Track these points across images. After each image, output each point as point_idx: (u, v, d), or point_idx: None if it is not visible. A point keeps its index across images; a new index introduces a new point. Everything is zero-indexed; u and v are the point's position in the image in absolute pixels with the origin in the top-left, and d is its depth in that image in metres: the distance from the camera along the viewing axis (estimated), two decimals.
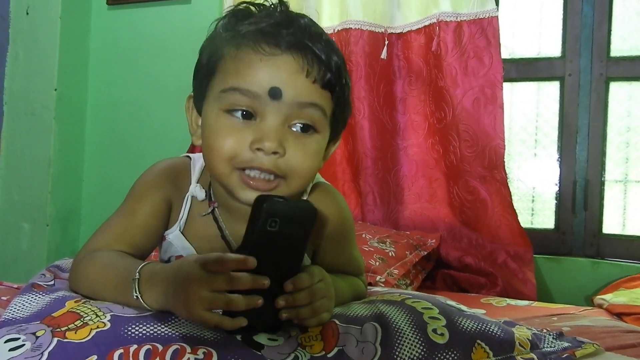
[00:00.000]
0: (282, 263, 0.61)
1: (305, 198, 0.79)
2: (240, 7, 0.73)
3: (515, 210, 1.68)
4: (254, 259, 0.57)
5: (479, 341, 0.66)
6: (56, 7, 1.99)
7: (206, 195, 0.78)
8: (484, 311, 1.27)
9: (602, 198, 1.78)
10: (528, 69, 1.88)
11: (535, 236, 1.76)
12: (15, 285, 0.90)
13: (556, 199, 1.84)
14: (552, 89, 1.87)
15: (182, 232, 0.78)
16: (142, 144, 2.08)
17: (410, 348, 0.63)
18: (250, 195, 0.66)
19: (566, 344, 0.72)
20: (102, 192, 2.11)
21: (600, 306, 1.43)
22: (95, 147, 2.14)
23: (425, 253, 1.64)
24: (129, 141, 2.11)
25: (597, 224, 1.78)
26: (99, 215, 2.10)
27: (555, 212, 1.84)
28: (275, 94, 0.66)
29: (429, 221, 1.81)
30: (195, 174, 0.79)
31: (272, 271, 0.59)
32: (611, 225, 1.79)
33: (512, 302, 1.45)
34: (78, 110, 2.11)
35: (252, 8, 0.72)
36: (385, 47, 1.83)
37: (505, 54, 1.76)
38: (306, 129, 0.69)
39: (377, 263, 1.45)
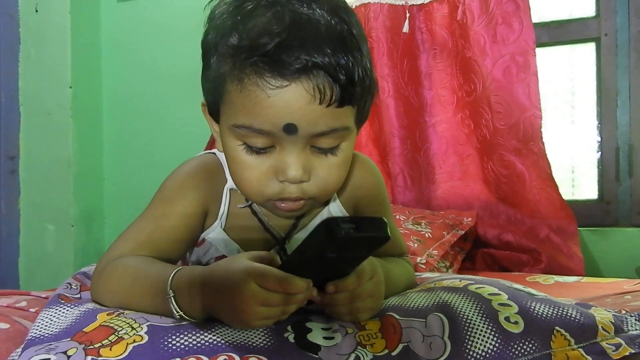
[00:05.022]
0: (335, 271, 0.56)
1: None
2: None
3: (555, 182, 1.60)
4: (315, 291, 0.55)
5: (557, 328, 0.59)
6: (65, 2, 1.95)
7: None
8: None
9: None
10: (560, 32, 1.78)
11: (578, 208, 1.67)
12: (44, 295, 0.84)
13: (598, 167, 1.74)
14: (587, 51, 1.76)
15: (223, 229, 0.74)
16: (160, 137, 2.04)
17: (483, 340, 0.56)
18: (285, 214, 0.69)
19: None
20: (123, 189, 2.08)
21: None
22: (114, 143, 2.11)
23: (463, 232, 1.57)
24: (147, 135, 2.07)
25: None
26: (122, 213, 2.10)
27: (598, 181, 1.74)
28: (290, 130, 0.61)
29: (463, 199, 1.74)
30: (227, 168, 0.75)
31: (321, 276, 0.55)
32: None
33: (560, 278, 1.38)
34: (94, 107, 2.08)
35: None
36: (407, 20, 1.76)
37: (534, 18, 1.66)
38: (330, 148, 0.65)
39: (416, 245, 1.39)
